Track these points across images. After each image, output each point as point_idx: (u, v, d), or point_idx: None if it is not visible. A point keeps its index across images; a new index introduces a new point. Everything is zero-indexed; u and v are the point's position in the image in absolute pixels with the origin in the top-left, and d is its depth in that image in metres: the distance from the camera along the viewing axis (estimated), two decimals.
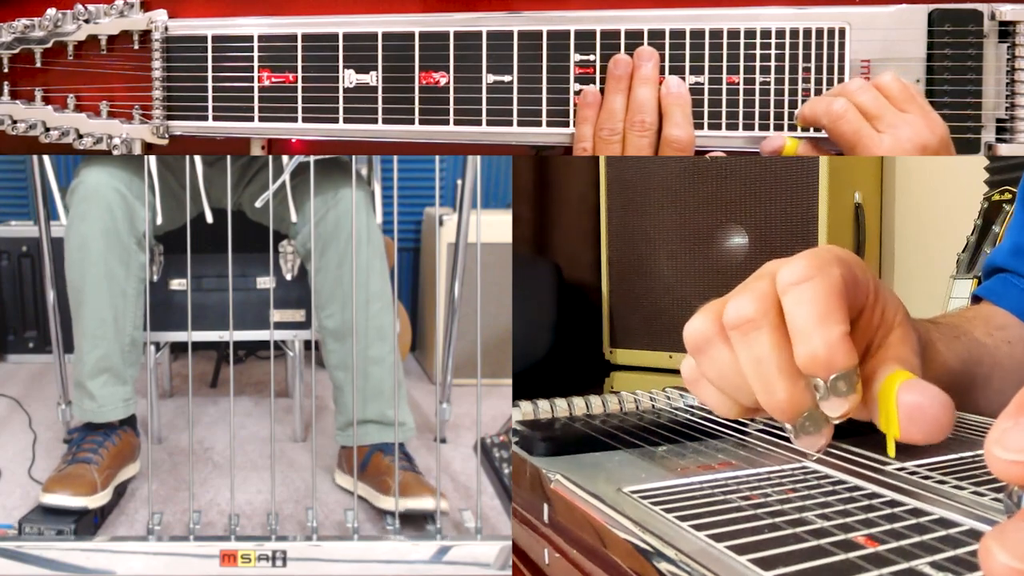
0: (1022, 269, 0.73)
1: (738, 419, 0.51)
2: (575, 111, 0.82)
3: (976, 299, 0.75)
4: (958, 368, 0.58)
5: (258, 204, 1.44)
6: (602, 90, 0.81)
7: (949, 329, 0.60)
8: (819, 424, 0.42)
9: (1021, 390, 0.26)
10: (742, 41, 0.81)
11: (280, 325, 1.61)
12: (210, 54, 0.84)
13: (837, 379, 0.41)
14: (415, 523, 1.33)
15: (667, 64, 0.81)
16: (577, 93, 0.82)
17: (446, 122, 0.83)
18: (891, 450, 0.43)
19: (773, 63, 0.81)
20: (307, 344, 1.68)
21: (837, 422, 0.42)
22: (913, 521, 0.34)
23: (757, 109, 0.82)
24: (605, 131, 0.79)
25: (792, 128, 0.82)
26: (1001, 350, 0.63)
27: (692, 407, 0.60)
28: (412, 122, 0.83)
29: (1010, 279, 0.73)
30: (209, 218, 1.50)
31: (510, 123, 0.83)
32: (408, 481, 1.29)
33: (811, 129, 0.81)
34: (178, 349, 2.04)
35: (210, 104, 0.84)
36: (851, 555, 0.31)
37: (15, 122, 0.85)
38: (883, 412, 0.42)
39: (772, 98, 0.82)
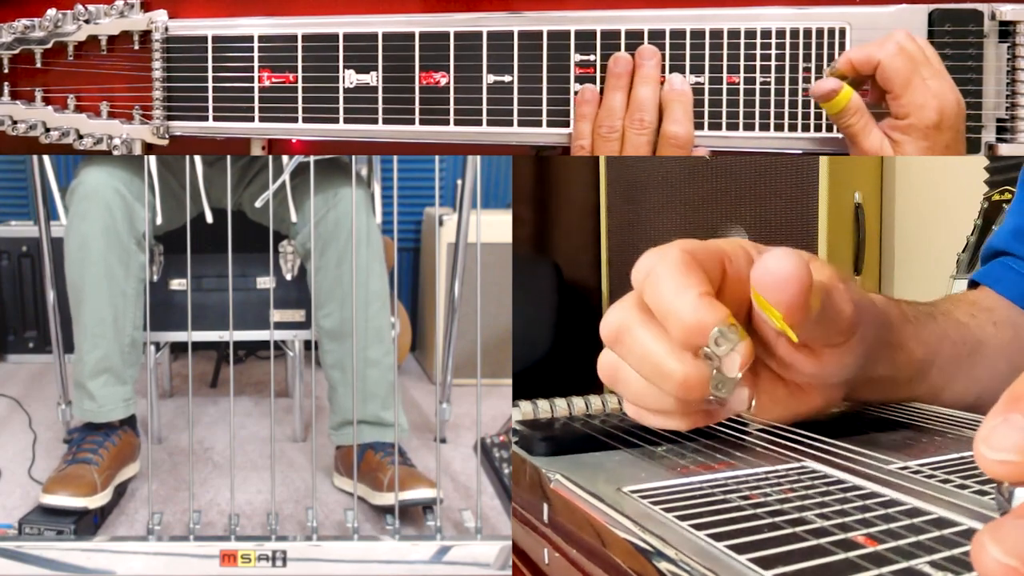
0: (1022, 251, 0.73)
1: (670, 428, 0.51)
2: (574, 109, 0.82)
3: (974, 285, 0.74)
4: (932, 342, 0.57)
5: (258, 204, 1.44)
6: (602, 89, 0.81)
7: (925, 307, 0.60)
8: (728, 384, 0.42)
9: (1011, 386, 0.26)
10: (742, 41, 0.81)
11: (280, 325, 1.61)
12: (210, 54, 0.84)
13: (717, 336, 0.40)
14: (414, 517, 1.33)
15: (667, 64, 0.81)
16: (577, 92, 0.82)
17: (446, 122, 0.83)
18: (792, 335, 0.43)
19: (773, 63, 0.81)
20: (307, 344, 1.68)
21: (739, 375, 0.42)
22: (912, 520, 0.34)
23: (757, 109, 0.82)
24: (604, 128, 0.79)
25: (792, 128, 0.82)
26: (985, 331, 0.63)
27: None
28: (412, 122, 0.83)
29: (1008, 262, 0.73)
30: (209, 218, 1.50)
31: (510, 123, 0.83)
32: (403, 475, 1.29)
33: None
34: (178, 349, 2.04)
35: (210, 104, 0.84)
36: (850, 554, 0.31)
37: (15, 122, 0.85)
38: (762, 309, 0.42)
39: (772, 98, 0.82)
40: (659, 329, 0.43)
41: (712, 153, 0.83)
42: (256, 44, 0.83)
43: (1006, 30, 0.82)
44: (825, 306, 0.44)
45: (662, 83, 0.80)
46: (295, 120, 0.84)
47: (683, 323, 0.41)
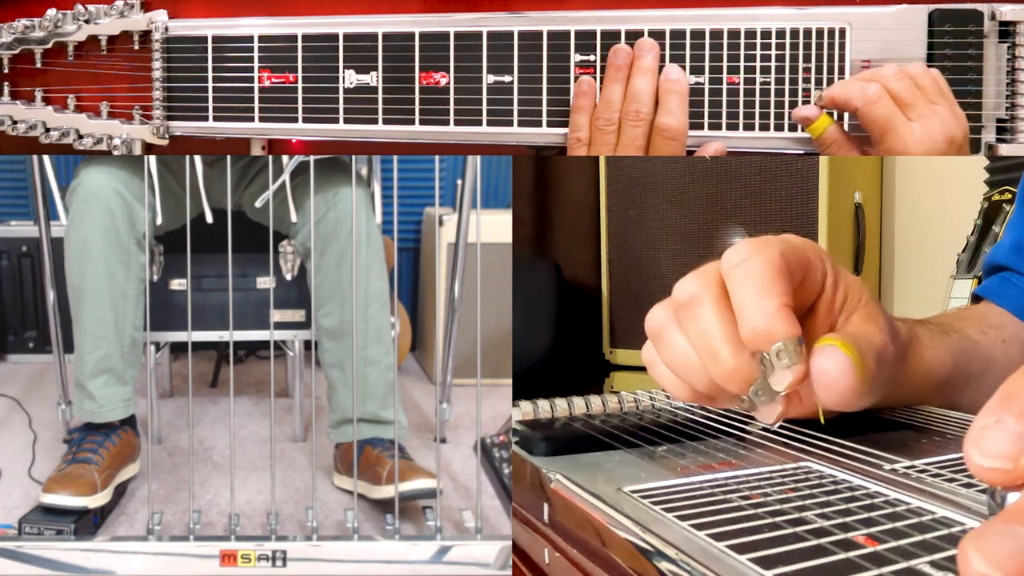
0: (1022, 267, 0.73)
1: (695, 404, 0.52)
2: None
3: (976, 298, 0.75)
4: (948, 362, 0.57)
5: (258, 204, 1.44)
6: (601, 80, 0.81)
7: (938, 327, 0.60)
8: (771, 393, 0.42)
9: (1005, 382, 0.25)
10: (742, 41, 0.81)
11: (280, 325, 1.61)
12: (210, 54, 0.84)
13: (779, 350, 0.41)
14: (414, 517, 1.32)
15: (667, 64, 0.81)
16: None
17: (446, 122, 0.83)
18: (820, 416, 0.44)
19: (773, 63, 0.81)
20: (307, 344, 1.68)
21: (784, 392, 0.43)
22: (913, 520, 0.34)
23: (757, 109, 0.82)
24: (602, 120, 0.79)
25: (792, 128, 0.82)
26: (996, 348, 0.63)
27: (692, 406, 0.60)
28: (412, 122, 0.83)
29: (1010, 278, 0.73)
30: (209, 218, 1.50)
31: (510, 123, 0.83)
32: (402, 467, 1.29)
33: (835, 114, 0.81)
34: (178, 349, 2.04)
35: (210, 104, 0.84)
36: (851, 554, 0.31)
37: (15, 122, 0.85)
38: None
39: (772, 98, 0.82)
40: (729, 313, 0.43)
41: (726, 148, 0.82)
42: (256, 44, 0.83)
43: (1006, 30, 0.82)
44: None
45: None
46: (295, 120, 0.84)
47: (754, 326, 0.42)
